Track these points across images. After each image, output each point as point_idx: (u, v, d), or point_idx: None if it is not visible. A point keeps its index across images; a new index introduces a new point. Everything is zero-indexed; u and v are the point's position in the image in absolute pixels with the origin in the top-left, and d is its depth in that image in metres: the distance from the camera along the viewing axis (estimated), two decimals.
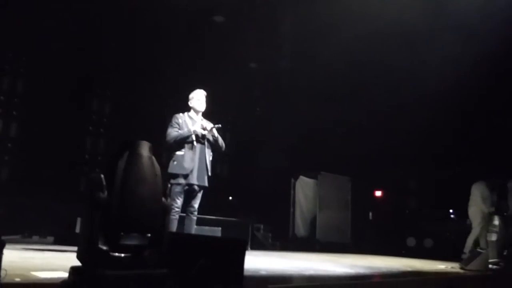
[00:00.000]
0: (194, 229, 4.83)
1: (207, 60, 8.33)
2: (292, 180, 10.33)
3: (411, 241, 10.60)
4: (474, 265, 5.62)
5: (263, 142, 9.94)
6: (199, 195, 4.80)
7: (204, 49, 8.19)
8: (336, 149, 10.01)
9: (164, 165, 4.63)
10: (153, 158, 2.71)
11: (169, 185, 4.67)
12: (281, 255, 6.72)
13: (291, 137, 9.77)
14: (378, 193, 11.89)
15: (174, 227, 4.60)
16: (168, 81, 8.40)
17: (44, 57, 7.15)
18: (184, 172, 4.67)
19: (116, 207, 2.42)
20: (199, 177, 4.74)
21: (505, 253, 6.67)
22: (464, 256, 6.51)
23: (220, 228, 6.97)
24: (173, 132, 4.74)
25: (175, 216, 4.63)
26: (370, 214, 11.72)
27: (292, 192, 10.28)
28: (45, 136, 7.18)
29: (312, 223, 10.18)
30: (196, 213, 4.82)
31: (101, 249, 2.36)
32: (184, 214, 4.80)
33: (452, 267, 6.13)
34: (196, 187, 4.72)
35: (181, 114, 4.94)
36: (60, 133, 7.28)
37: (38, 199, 6.31)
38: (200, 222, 5.47)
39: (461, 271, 5.68)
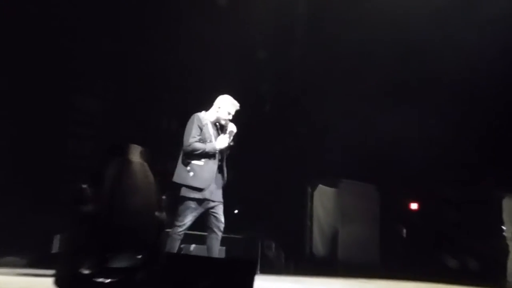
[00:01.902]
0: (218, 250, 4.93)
1: (206, 51, 8.45)
2: (309, 189, 10.33)
3: (452, 262, 10.56)
4: None
5: (274, 143, 9.93)
6: (221, 207, 4.91)
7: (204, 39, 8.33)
8: (362, 152, 10.00)
9: (170, 172, 4.71)
10: (146, 164, 2.74)
11: (164, 197, 4.74)
12: (296, 280, 6.73)
13: (307, 138, 9.78)
14: (413, 206, 11.85)
15: (175, 247, 4.68)
16: (166, 76, 8.49)
17: (20, 48, 7.24)
18: (202, 186, 4.77)
19: (102, 223, 2.45)
20: (216, 191, 4.88)
21: None
22: (509, 285, 6.52)
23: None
24: (195, 144, 4.81)
25: (179, 235, 4.72)
26: (404, 230, 11.68)
27: (308, 203, 10.29)
28: (21, 138, 7.25)
29: (333, 240, 10.19)
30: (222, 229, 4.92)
31: (84, 274, 2.37)
32: (205, 233, 4.87)
33: None
34: (212, 203, 4.83)
35: (203, 115, 4.99)
36: (38, 134, 7.35)
37: (10, 211, 6.37)
38: (199, 240, 5.50)
39: None
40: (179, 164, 4.84)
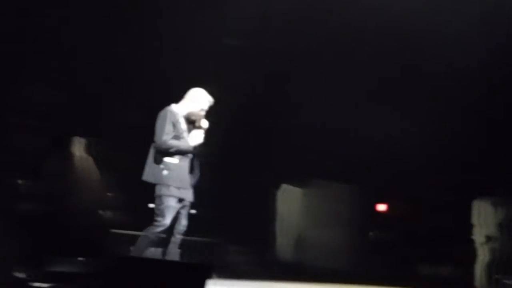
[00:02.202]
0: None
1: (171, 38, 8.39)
2: (273, 189, 10.36)
3: (423, 268, 10.76)
4: None
5: (239, 141, 9.91)
6: (188, 208, 5.00)
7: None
8: (331, 150, 10.08)
9: (136, 170, 4.66)
10: (91, 159, 2.69)
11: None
12: (260, 285, 6.75)
13: (270, 134, 9.80)
14: (383, 208, 12.02)
15: (150, 250, 4.78)
16: (124, 62, 8.38)
17: None
18: (179, 185, 4.82)
19: (40, 223, 2.40)
20: (188, 191, 4.95)
21: None
22: None
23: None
24: (170, 141, 4.83)
25: (156, 237, 4.79)
26: (373, 233, 11.84)
27: (272, 204, 10.32)
28: None
29: (299, 244, 10.24)
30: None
31: (19, 279, 2.33)
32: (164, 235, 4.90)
33: None
34: (184, 202, 4.90)
35: (176, 109, 4.98)
36: None
37: None
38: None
39: None
40: (151, 162, 4.85)
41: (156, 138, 4.85)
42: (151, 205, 5.04)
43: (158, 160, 4.82)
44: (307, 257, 10.11)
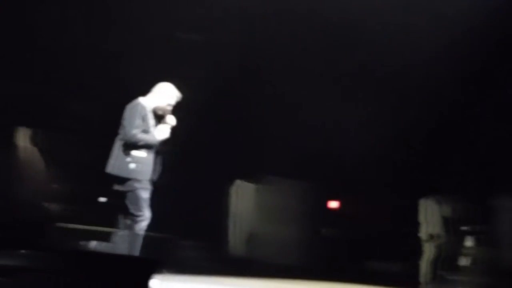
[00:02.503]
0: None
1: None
2: (228, 185, 10.37)
3: (373, 265, 10.98)
4: None
5: (193, 136, 9.86)
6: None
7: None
8: (284, 147, 10.15)
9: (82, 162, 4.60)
10: (36, 150, 2.66)
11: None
12: (212, 281, 6.75)
13: (225, 130, 9.80)
14: (335, 204, 12.19)
15: (139, 244, 4.90)
16: (71, 53, 8.21)
17: None
18: (147, 178, 4.91)
19: None
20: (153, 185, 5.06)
21: (478, 281, 7.16)
22: (422, 287, 7.05)
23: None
24: (139, 135, 4.84)
25: (143, 231, 4.92)
26: (324, 229, 11.99)
27: (227, 200, 10.33)
28: None
29: (251, 240, 10.29)
30: None
31: None
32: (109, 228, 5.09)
33: None
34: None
35: (145, 102, 4.98)
36: None
37: None
38: (104, 236, 5.43)
39: None
40: (119, 155, 4.86)
41: (125, 131, 4.85)
42: (102, 199, 5.02)
43: (126, 154, 4.83)
44: (260, 253, 10.16)
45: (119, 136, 4.98)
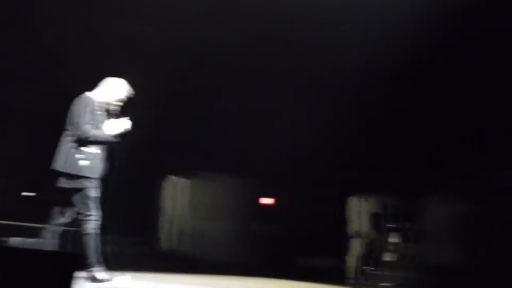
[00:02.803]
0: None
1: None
2: (159, 180, 10.27)
3: (304, 260, 11.19)
4: None
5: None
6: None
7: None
8: (219, 141, 10.16)
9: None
10: None
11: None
12: (140, 277, 6.69)
13: (160, 126, 9.72)
14: (269, 200, 12.34)
15: (93, 243, 4.73)
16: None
17: None
18: (94, 175, 4.76)
19: None
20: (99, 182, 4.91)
21: (402, 276, 7.48)
22: (349, 282, 7.31)
23: (65, 241, 6.76)
24: (91, 130, 4.72)
25: (95, 229, 4.73)
26: (258, 225, 12.11)
27: (158, 195, 10.26)
28: None
29: (183, 236, 10.26)
30: None
31: None
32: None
33: None
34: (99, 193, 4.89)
35: (94, 97, 4.83)
36: None
37: None
38: (29, 232, 5.26)
39: None
40: (68, 151, 4.69)
41: (76, 126, 4.71)
42: (25, 193, 4.86)
43: (75, 150, 4.70)
44: (194, 249, 10.15)
45: (68, 132, 4.81)
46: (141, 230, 9.77)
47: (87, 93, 4.90)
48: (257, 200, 12.09)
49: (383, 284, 6.78)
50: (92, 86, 4.97)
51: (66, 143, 4.77)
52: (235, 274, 8.67)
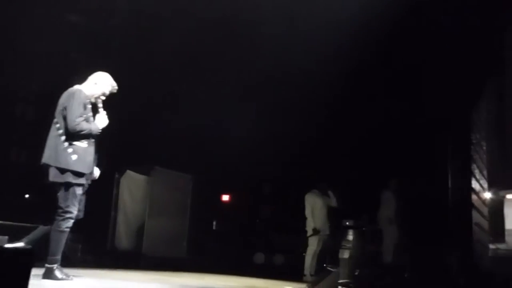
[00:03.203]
0: None
1: None
2: (116, 175, 10.13)
3: (259, 257, 11.24)
4: (322, 287, 6.20)
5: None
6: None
7: None
8: (176, 139, 10.11)
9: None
10: None
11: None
12: (93, 274, 6.55)
13: (116, 118, 9.52)
14: (225, 197, 12.33)
15: (63, 241, 4.67)
16: None
17: None
18: (87, 171, 4.70)
19: None
20: (88, 177, 4.83)
21: (356, 273, 7.55)
22: (306, 279, 7.36)
23: (6, 237, 6.53)
24: (82, 123, 4.68)
25: (69, 227, 4.65)
26: (214, 222, 12.10)
27: (115, 191, 10.08)
28: None
29: (139, 233, 10.15)
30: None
31: None
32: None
33: None
34: (85, 189, 4.81)
35: (84, 90, 4.82)
36: None
37: None
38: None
39: None
40: (58, 145, 4.60)
41: (70, 119, 4.62)
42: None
43: (67, 144, 4.63)
44: (149, 246, 10.05)
45: (57, 125, 4.72)
46: (95, 227, 9.56)
47: (78, 86, 4.88)
48: (214, 198, 12.09)
49: (340, 281, 6.81)
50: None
51: (56, 136, 4.70)
52: (192, 271, 8.62)
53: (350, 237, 7.58)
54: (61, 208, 4.68)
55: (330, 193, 8.67)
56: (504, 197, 21.78)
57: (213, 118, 10.11)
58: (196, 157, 10.54)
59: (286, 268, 10.60)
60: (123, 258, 9.55)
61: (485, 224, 13.42)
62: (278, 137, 10.73)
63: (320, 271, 7.04)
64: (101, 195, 9.71)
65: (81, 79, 5.04)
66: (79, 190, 4.69)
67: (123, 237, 10.13)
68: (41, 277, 4.57)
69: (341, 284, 6.81)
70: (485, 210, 13.61)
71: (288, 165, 11.16)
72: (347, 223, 8.20)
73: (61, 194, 4.67)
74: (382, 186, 9.64)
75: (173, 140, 10.09)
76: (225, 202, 12.39)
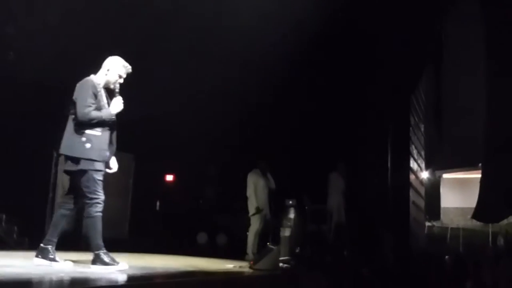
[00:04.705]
0: None
1: None
2: (54, 154, 9.78)
3: (202, 237, 11.21)
4: (263, 264, 6.25)
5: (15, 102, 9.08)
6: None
7: None
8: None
9: None
10: None
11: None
12: (27, 255, 6.35)
13: (54, 97, 9.21)
14: (169, 177, 12.19)
15: (99, 225, 4.88)
16: None
17: None
18: (103, 159, 4.79)
19: None
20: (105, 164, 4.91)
21: (297, 251, 7.70)
22: (248, 258, 7.42)
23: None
24: (92, 112, 4.72)
25: (100, 212, 4.83)
26: (158, 203, 11.96)
27: (53, 170, 9.76)
28: None
29: (79, 214, 9.82)
30: None
31: None
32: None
33: (240, 266, 6.72)
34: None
35: (96, 80, 4.86)
36: None
37: None
38: None
39: (249, 270, 6.27)
40: (72, 135, 4.72)
41: (79, 109, 4.68)
42: None
43: (79, 133, 4.70)
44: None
45: (72, 116, 4.77)
46: (32, 208, 9.26)
47: (91, 76, 4.92)
48: (158, 177, 11.94)
49: (281, 258, 6.90)
50: None
51: (71, 127, 4.79)
52: (134, 252, 8.50)
53: (292, 215, 7.70)
54: (85, 195, 4.81)
55: (269, 175, 8.65)
56: (440, 176, 22.87)
57: (158, 98, 9.94)
58: (139, 137, 10.31)
59: (228, 248, 10.64)
60: (62, 239, 9.27)
61: (421, 203, 13.99)
62: (222, 118, 10.71)
63: (261, 250, 7.07)
64: (38, 174, 9.44)
65: None
66: (98, 176, 4.77)
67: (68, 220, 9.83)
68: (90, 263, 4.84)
69: (282, 261, 6.90)
70: (422, 190, 14.20)
71: (232, 147, 11.17)
72: (290, 202, 8.31)
73: (82, 182, 4.76)
74: (326, 167, 9.76)
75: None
76: (168, 183, 12.24)
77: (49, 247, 4.91)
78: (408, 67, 10.65)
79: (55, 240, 4.99)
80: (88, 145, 4.69)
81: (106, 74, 4.93)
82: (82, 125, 4.72)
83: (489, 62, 10.53)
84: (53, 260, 4.88)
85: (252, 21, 8.60)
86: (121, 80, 4.98)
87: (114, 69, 4.94)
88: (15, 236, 8.51)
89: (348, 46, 9.95)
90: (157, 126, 10.33)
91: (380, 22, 9.67)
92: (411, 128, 11.55)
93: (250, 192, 8.44)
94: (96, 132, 4.75)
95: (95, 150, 4.72)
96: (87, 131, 4.72)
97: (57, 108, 9.16)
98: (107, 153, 4.87)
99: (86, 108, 4.69)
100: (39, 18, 8.51)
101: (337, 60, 10.03)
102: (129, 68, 5.03)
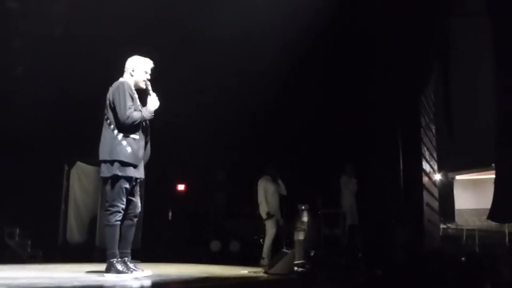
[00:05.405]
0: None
1: None
2: (66, 167, 9.86)
3: (215, 245, 11.16)
4: (278, 268, 6.20)
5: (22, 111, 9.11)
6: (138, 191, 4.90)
7: None
8: None
9: None
10: None
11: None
12: (41, 268, 6.37)
13: (64, 107, 9.26)
14: (181, 187, 12.18)
15: (117, 234, 4.64)
16: None
17: None
18: (138, 163, 4.69)
19: None
20: (141, 168, 4.83)
21: (312, 254, 7.64)
22: (263, 262, 7.37)
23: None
24: (133, 114, 4.67)
25: (119, 220, 4.62)
26: (170, 213, 11.94)
27: (64, 183, 9.81)
28: None
29: (91, 225, 9.93)
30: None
31: None
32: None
33: (255, 272, 6.68)
34: (136, 181, 4.80)
35: (128, 81, 4.80)
36: None
37: None
38: None
39: (264, 275, 6.22)
40: (113, 139, 4.64)
41: (120, 113, 4.61)
42: None
43: (120, 137, 4.65)
44: (102, 238, 9.83)
45: (108, 121, 4.72)
46: (45, 221, 9.30)
47: (122, 79, 4.89)
48: (170, 187, 11.94)
49: (296, 262, 6.85)
50: None
51: (109, 132, 4.71)
52: (148, 261, 8.49)
53: (305, 218, 7.65)
54: (107, 202, 4.72)
55: (279, 181, 8.63)
56: (453, 178, 22.67)
57: (164, 106, 9.97)
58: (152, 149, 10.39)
59: (241, 254, 10.61)
60: (76, 251, 9.32)
61: (435, 205, 13.84)
62: (231, 123, 10.70)
63: (275, 254, 7.04)
64: (50, 187, 9.48)
65: None
66: (125, 184, 4.66)
67: (75, 231, 9.90)
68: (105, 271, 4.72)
69: (296, 264, 6.85)
70: (435, 191, 14.05)
71: (241, 151, 11.16)
72: (303, 207, 8.26)
73: (108, 188, 4.69)
74: (337, 170, 9.72)
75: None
76: (180, 192, 12.24)
77: (126, 259, 4.81)
78: (416, 67, 10.60)
79: (129, 251, 4.88)
80: (128, 149, 4.64)
81: (132, 75, 4.90)
82: (124, 128, 4.66)
83: (498, 61, 10.43)
84: (133, 270, 4.80)
85: (262, 21, 8.63)
86: (148, 76, 4.95)
87: (138, 67, 4.91)
88: (28, 249, 8.52)
89: (357, 49, 9.94)
90: (166, 135, 10.34)
91: (386, 23, 9.67)
92: (422, 129, 11.46)
93: (261, 198, 8.42)
94: (136, 136, 4.72)
95: (132, 154, 4.66)
96: (128, 135, 4.68)
97: (69, 123, 9.38)
98: (141, 158, 4.81)
99: (128, 110, 4.63)
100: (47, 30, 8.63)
101: (347, 63, 10.02)
102: (150, 62, 4.99)
